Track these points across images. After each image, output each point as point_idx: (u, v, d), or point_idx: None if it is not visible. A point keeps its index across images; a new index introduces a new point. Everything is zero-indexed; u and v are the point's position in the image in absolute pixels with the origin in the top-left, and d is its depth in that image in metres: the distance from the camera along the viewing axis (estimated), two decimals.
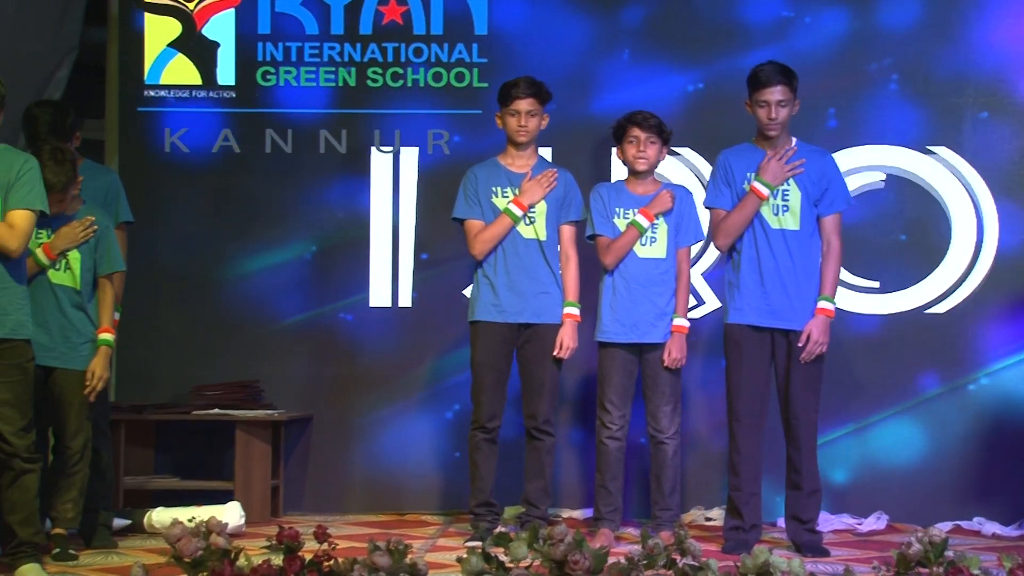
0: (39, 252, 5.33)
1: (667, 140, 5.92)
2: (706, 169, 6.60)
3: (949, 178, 6.73)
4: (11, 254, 4.79)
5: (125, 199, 6.03)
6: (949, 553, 3.81)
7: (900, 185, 6.77)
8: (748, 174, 5.68)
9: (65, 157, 5.35)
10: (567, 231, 5.96)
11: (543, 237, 5.89)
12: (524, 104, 5.89)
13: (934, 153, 6.75)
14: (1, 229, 4.76)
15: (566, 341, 5.85)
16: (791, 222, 5.66)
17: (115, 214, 5.92)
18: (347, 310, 7.00)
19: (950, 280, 6.71)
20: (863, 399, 6.71)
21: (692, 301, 6.34)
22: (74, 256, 5.45)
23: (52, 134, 5.60)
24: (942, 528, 4.28)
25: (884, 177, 6.76)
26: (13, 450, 4.80)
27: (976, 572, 3.64)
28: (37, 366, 5.07)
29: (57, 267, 5.42)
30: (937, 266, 6.72)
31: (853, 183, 6.59)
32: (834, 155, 6.04)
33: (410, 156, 7.04)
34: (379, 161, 7.05)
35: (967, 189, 6.72)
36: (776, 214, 5.65)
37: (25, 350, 4.87)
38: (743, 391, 5.64)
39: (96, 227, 5.48)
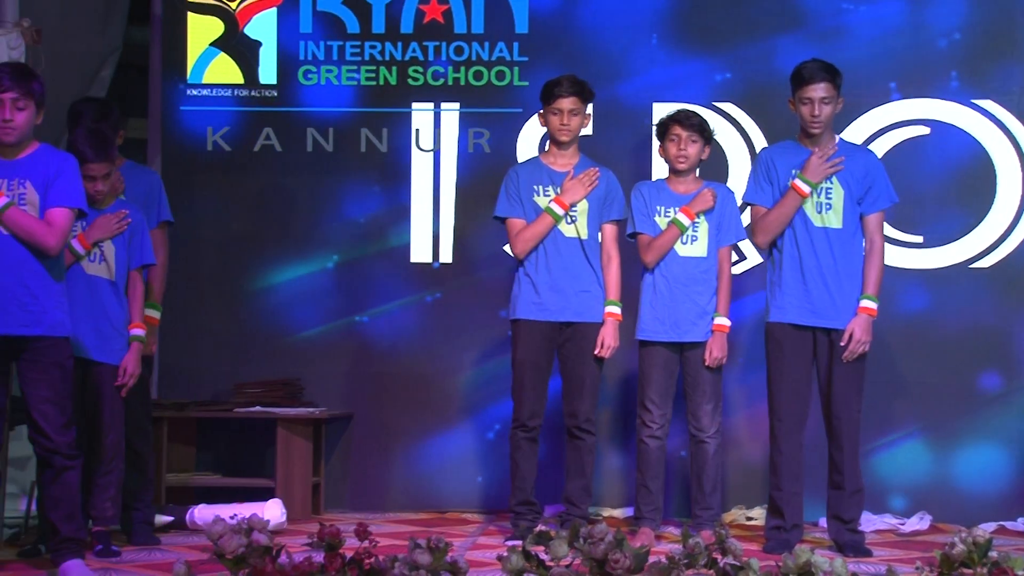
0: (74, 242, 5.36)
1: (709, 139, 5.90)
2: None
3: (994, 131, 6.72)
4: (49, 251, 4.83)
5: (166, 199, 6.05)
6: (993, 554, 3.78)
7: (945, 137, 6.76)
8: (792, 171, 5.66)
9: (104, 137, 5.40)
10: (609, 230, 5.95)
11: (584, 236, 5.88)
12: (567, 103, 5.86)
13: (980, 107, 6.75)
14: (40, 226, 4.80)
15: (607, 340, 5.84)
16: (834, 220, 5.63)
17: (155, 214, 5.95)
18: (388, 309, 7.02)
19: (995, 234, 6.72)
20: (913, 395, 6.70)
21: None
22: (109, 248, 5.48)
23: (99, 159, 5.62)
24: (986, 528, 4.26)
25: (928, 131, 6.76)
26: (54, 447, 4.84)
27: (1020, 573, 3.61)
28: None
29: (92, 258, 5.44)
30: (982, 220, 6.72)
31: (899, 136, 6.67)
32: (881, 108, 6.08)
33: (450, 155, 7.05)
34: (420, 160, 7.06)
35: (1013, 141, 6.72)
36: (819, 212, 5.62)
37: (64, 347, 4.90)
38: (784, 390, 5.61)
39: (129, 220, 5.51)
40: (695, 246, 5.83)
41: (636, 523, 5.86)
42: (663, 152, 5.93)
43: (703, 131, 5.85)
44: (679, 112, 5.89)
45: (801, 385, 5.64)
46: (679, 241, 5.81)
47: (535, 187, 5.92)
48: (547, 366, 5.90)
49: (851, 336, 5.56)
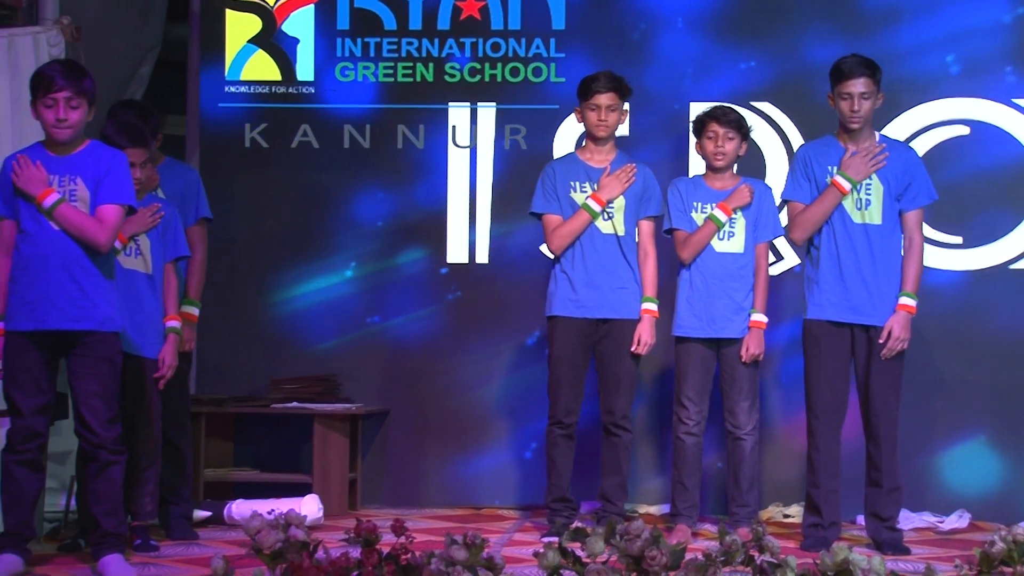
0: None
1: (746, 135, 5.87)
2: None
3: None
4: (100, 248, 4.87)
5: (204, 196, 6.07)
6: None
7: (984, 137, 6.71)
8: (829, 168, 5.62)
9: (135, 125, 5.46)
10: (646, 226, 5.94)
11: (621, 232, 5.87)
12: (604, 99, 5.84)
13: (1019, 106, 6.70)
14: (91, 223, 4.84)
15: (644, 336, 5.83)
16: (874, 216, 5.59)
17: (194, 210, 5.98)
18: (425, 305, 7.03)
19: None
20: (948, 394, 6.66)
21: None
22: (144, 242, 5.50)
23: (133, 143, 5.65)
24: None
25: (968, 131, 6.71)
26: (99, 441, 4.87)
27: None
28: None
29: (128, 252, 5.47)
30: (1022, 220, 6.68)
31: (938, 136, 6.65)
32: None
33: (487, 152, 7.05)
34: (456, 157, 7.07)
35: None
36: (858, 208, 5.59)
37: (114, 343, 4.94)
38: (822, 387, 5.58)
39: (162, 213, 5.54)
40: (732, 242, 5.81)
41: (672, 520, 5.84)
42: (700, 149, 5.91)
43: (740, 127, 5.82)
44: (716, 109, 5.86)
45: (839, 382, 5.61)
46: (716, 237, 5.79)
47: (572, 183, 5.91)
48: (583, 363, 5.89)
49: (890, 333, 5.53)
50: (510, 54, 7.06)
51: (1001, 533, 3.88)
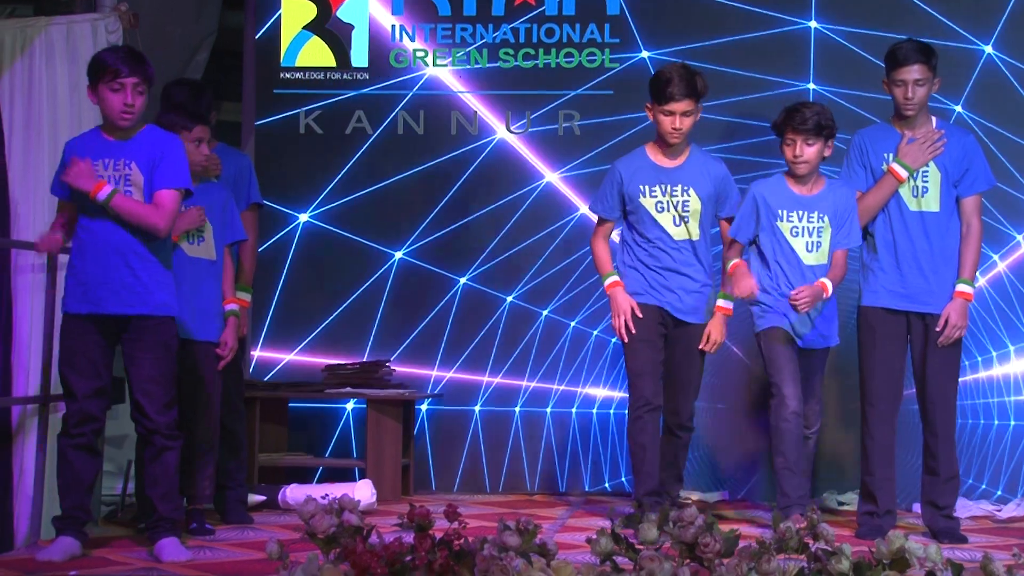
0: None
1: (830, 135, 5.60)
2: None
3: None
4: (158, 233, 4.89)
5: (256, 181, 6.09)
6: None
7: None
8: (885, 155, 5.55)
9: (191, 107, 5.54)
10: (726, 226, 5.79)
11: (696, 237, 5.73)
12: (679, 105, 5.62)
13: None
14: (147, 211, 4.87)
15: (714, 335, 5.73)
16: (931, 204, 5.52)
17: (245, 195, 6.01)
18: (479, 290, 7.04)
19: None
20: None
21: None
22: (208, 229, 5.52)
23: (196, 121, 5.70)
24: None
25: None
26: (155, 426, 4.90)
27: None
28: None
29: (191, 241, 5.51)
30: None
31: None
32: None
33: (540, 137, 7.05)
34: (512, 142, 7.06)
35: None
36: (915, 196, 5.51)
37: (169, 327, 4.97)
38: (876, 375, 5.53)
39: (204, 219, 5.51)
40: (819, 253, 5.59)
41: (785, 511, 5.44)
42: (782, 152, 5.66)
43: (820, 130, 5.54)
44: (791, 113, 5.59)
45: (894, 370, 5.55)
46: (805, 250, 5.59)
47: (641, 187, 5.72)
48: (661, 347, 5.75)
49: (947, 321, 5.46)
50: (564, 40, 7.04)
51: None
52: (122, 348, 4.95)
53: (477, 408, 7.02)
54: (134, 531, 5.47)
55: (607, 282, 5.77)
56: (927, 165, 5.51)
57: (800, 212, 5.58)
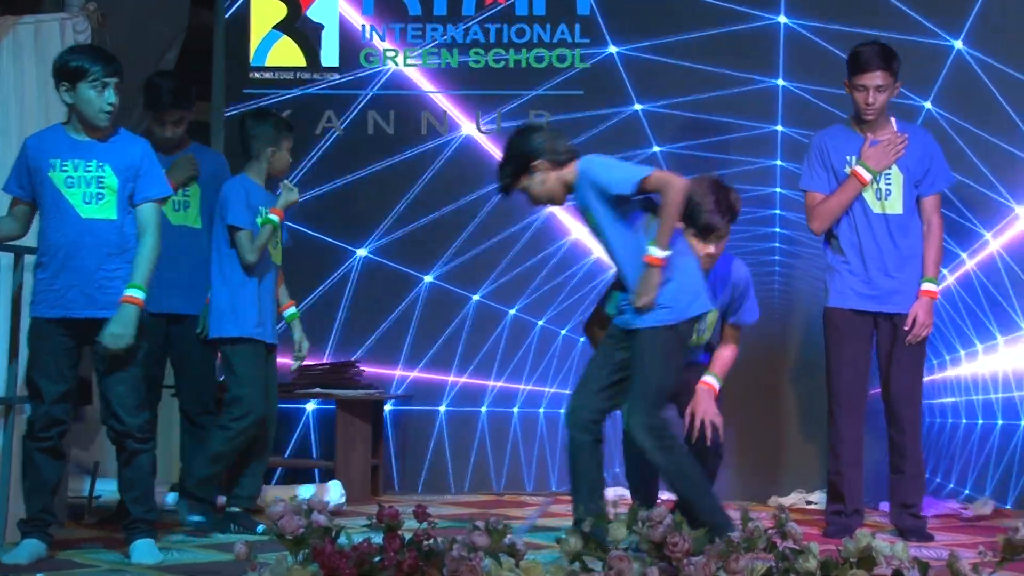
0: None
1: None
2: None
3: None
4: (158, 248, 4.90)
5: None
6: None
7: None
8: (848, 157, 5.55)
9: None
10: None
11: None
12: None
13: None
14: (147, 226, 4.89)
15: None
16: (895, 206, 5.53)
17: None
18: (444, 288, 7.03)
19: None
20: None
21: None
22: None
23: (175, 104, 5.72)
24: None
25: None
26: (126, 429, 4.84)
27: None
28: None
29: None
30: None
31: None
32: None
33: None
34: (479, 141, 7.06)
35: None
36: (879, 198, 5.52)
37: (139, 330, 4.93)
38: (843, 375, 5.55)
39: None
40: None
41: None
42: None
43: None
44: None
45: (860, 370, 5.57)
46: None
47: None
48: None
49: (914, 320, 5.48)
50: (535, 40, 7.05)
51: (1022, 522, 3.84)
52: (93, 351, 4.90)
53: (442, 408, 7.01)
54: (101, 532, 5.43)
55: None
56: (890, 168, 5.52)
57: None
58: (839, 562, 3.69)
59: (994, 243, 6.67)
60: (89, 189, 4.80)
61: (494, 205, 6.99)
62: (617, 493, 5.94)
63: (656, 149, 6.91)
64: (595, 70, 6.96)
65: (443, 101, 7.10)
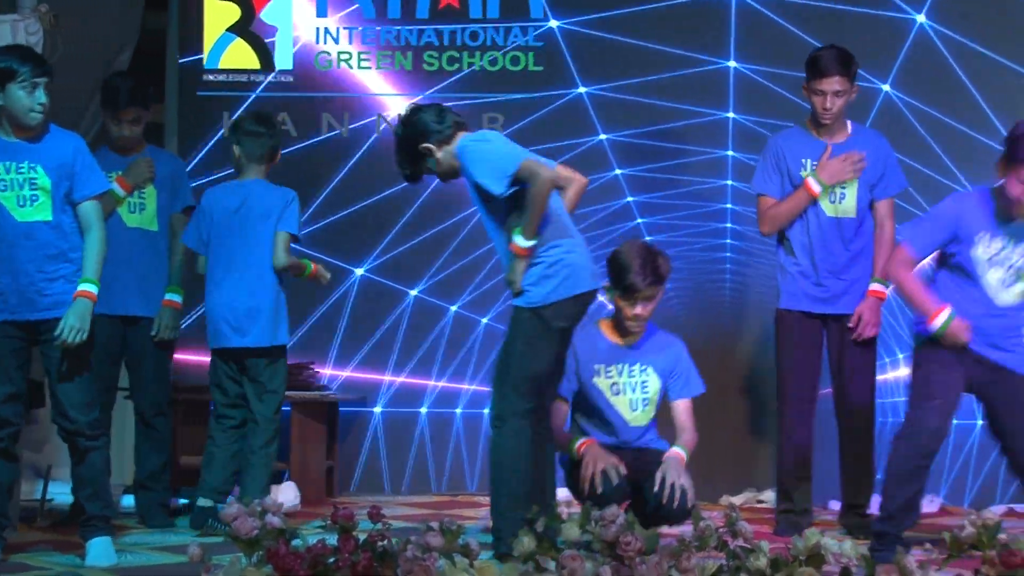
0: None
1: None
2: None
3: None
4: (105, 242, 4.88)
5: (188, 184, 6.08)
6: (1002, 536, 3.77)
7: None
8: (803, 160, 5.56)
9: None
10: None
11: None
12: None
13: None
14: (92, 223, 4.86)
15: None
16: (849, 210, 5.54)
17: (180, 198, 5.97)
18: (378, 283, 7.01)
19: None
20: None
21: None
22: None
23: (133, 102, 5.69)
24: (995, 511, 4.25)
25: None
26: (77, 427, 4.82)
27: None
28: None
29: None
30: None
31: None
32: None
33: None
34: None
35: None
36: (832, 202, 5.53)
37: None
38: (794, 376, 5.58)
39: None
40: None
41: None
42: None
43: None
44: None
45: (811, 371, 5.60)
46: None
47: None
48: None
49: (860, 318, 5.50)
50: (488, 43, 7.05)
51: (971, 518, 3.89)
52: (41, 351, 4.87)
53: (378, 409, 7.00)
54: (54, 535, 5.40)
55: None
56: (844, 184, 5.51)
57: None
58: (788, 560, 3.73)
59: None
60: (22, 191, 4.73)
61: (433, 196, 6.91)
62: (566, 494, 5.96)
63: (603, 137, 6.92)
64: (548, 74, 6.97)
65: (397, 103, 7.08)
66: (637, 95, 6.87)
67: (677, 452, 5.13)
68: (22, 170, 4.75)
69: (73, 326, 4.70)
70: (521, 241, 4.60)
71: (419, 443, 6.97)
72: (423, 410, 6.98)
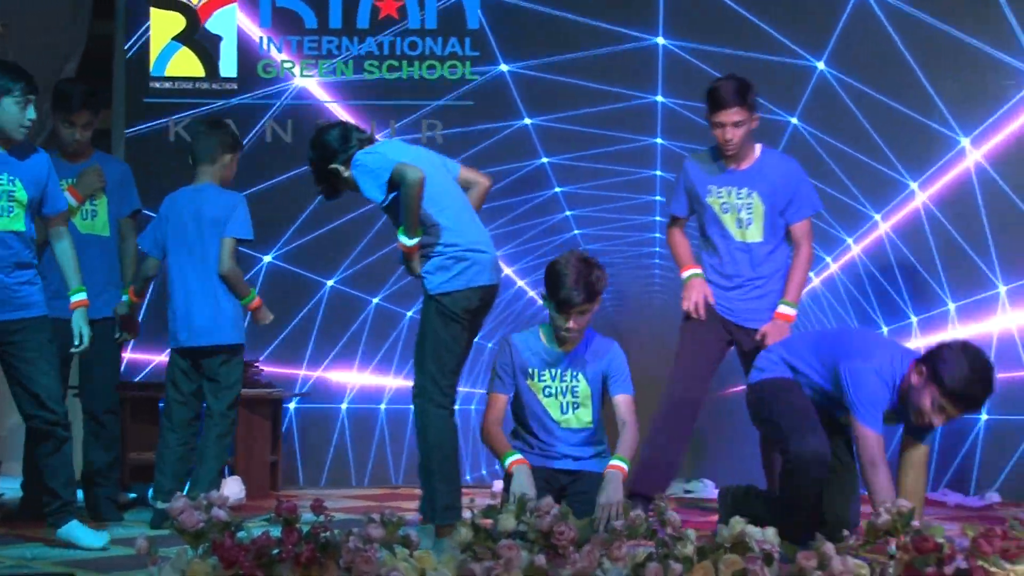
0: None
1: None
2: None
3: None
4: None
5: (135, 189, 6.04)
6: (915, 523, 3.83)
7: None
8: (708, 187, 5.38)
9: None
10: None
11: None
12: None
13: None
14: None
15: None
16: (754, 235, 5.38)
17: (128, 203, 5.94)
18: (345, 292, 7.02)
19: None
20: None
21: None
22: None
23: (86, 104, 5.65)
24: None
25: None
26: (57, 418, 4.95)
27: (940, 541, 3.66)
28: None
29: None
30: None
31: None
32: None
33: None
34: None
35: None
36: (739, 227, 5.38)
37: (47, 322, 4.98)
38: (682, 373, 5.39)
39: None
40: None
41: None
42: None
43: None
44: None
45: (702, 370, 5.41)
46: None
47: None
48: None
49: (764, 339, 5.32)
50: (427, 52, 7.07)
51: (886, 505, 3.94)
52: (8, 352, 4.91)
53: (344, 406, 7.01)
54: (6, 529, 5.35)
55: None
56: (751, 196, 5.36)
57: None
58: (715, 547, 3.76)
59: (855, 248, 6.85)
60: (0, 202, 4.80)
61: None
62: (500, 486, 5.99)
63: (544, 160, 6.98)
64: (485, 83, 7.02)
65: (340, 111, 7.08)
66: (574, 124, 6.96)
67: (617, 468, 4.89)
68: (1, 182, 4.83)
69: (87, 333, 5.05)
70: (404, 239, 4.74)
71: (379, 437, 6.98)
72: (382, 407, 7.00)
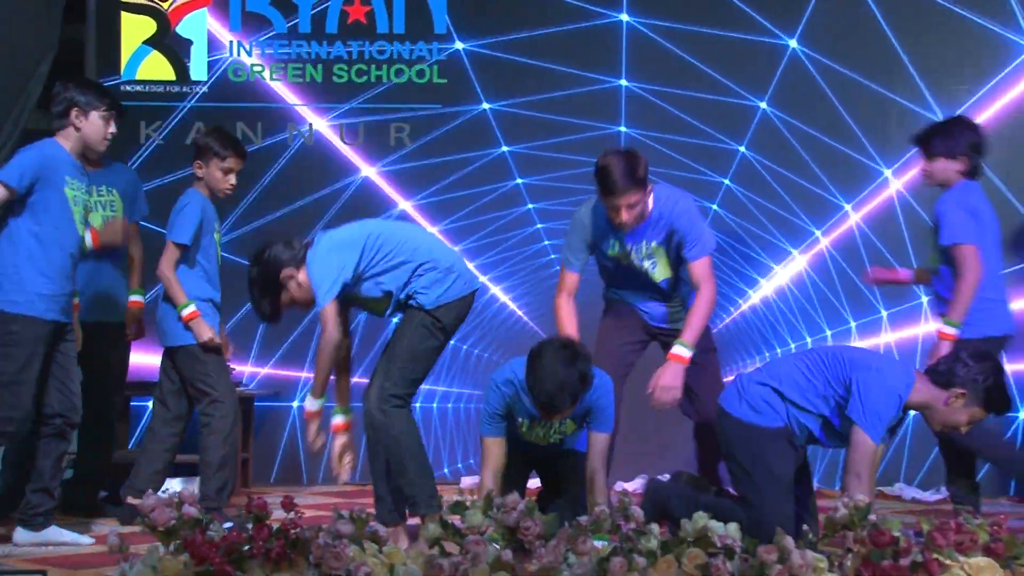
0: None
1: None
2: None
3: None
4: None
5: (144, 198, 6.04)
6: (872, 517, 3.84)
7: None
8: (610, 240, 5.06)
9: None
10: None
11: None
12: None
13: None
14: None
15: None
16: (663, 274, 5.13)
17: (138, 209, 5.98)
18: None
19: None
20: None
21: None
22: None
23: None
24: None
25: None
26: (71, 422, 5.02)
27: (897, 534, 3.68)
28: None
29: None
30: None
31: None
32: None
33: (373, 148, 7.05)
34: (346, 153, 7.04)
35: None
36: (647, 270, 5.13)
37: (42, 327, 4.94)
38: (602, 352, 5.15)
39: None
40: None
41: None
42: None
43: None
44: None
45: (617, 356, 5.19)
46: None
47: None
48: None
49: (653, 392, 4.98)
50: (395, 57, 7.05)
51: (843, 500, 3.96)
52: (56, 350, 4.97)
53: (295, 404, 6.96)
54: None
55: None
56: (650, 244, 5.08)
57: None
58: (677, 542, 3.76)
59: (824, 240, 6.81)
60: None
61: (351, 202, 6.96)
62: (473, 481, 5.98)
63: (505, 149, 6.96)
64: (452, 87, 7.00)
65: (308, 114, 7.06)
66: (533, 110, 6.94)
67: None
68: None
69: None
70: (309, 403, 4.83)
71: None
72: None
